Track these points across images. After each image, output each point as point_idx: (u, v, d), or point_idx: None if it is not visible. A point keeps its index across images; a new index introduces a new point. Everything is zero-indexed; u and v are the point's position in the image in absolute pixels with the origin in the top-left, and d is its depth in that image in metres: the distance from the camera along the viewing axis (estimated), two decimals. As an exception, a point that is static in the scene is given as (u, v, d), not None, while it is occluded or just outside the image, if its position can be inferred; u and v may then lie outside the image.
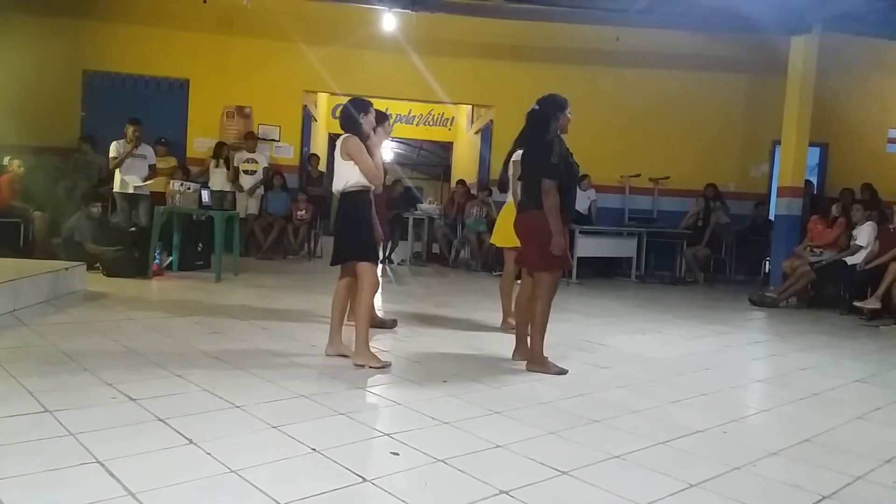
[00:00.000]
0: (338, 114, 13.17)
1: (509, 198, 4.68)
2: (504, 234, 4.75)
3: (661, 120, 10.32)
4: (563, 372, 3.68)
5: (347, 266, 3.75)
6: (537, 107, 3.82)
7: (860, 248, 7.00)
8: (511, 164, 4.36)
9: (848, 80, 9.58)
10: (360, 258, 3.64)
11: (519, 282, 5.18)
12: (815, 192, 9.83)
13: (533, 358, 3.75)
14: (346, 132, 3.69)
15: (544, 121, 3.77)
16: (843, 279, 7.17)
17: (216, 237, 6.71)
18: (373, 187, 3.71)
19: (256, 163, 9.32)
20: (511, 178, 4.41)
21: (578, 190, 6.63)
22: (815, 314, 6.91)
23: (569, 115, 3.83)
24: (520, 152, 4.22)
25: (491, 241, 5.05)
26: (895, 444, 2.82)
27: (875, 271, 6.56)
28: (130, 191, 7.52)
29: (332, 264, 3.77)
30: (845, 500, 2.20)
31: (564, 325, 4.98)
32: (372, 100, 3.95)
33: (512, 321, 4.79)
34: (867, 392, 3.78)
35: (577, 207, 5.77)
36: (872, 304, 6.35)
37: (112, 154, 7.51)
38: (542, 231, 3.70)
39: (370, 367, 3.52)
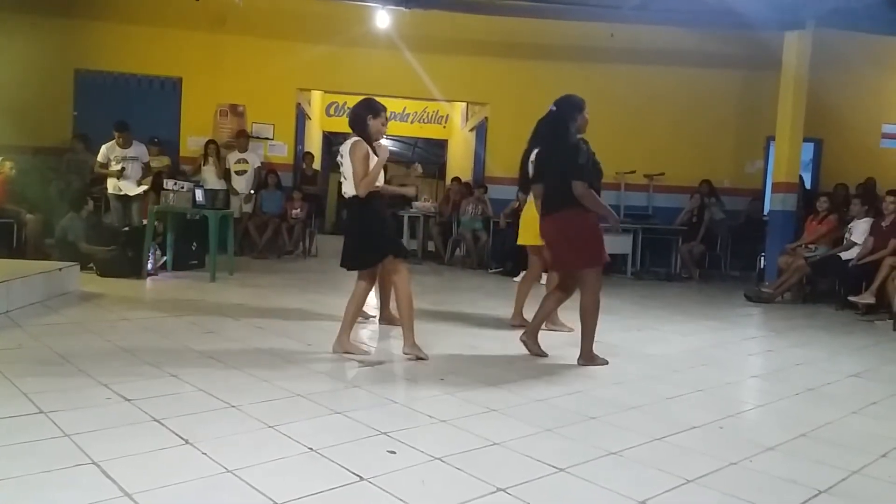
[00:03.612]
0: (332, 112, 13.09)
1: (530, 197, 4.69)
2: (529, 233, 4.76)
3: (656, 116, 10.33)
4: (606, 362, 3.87)
5: (366, 269, 3.80)
6: (555, 108, 3.84)
7: (854, 243, 7.02)
8: (530, 163, 4.36)
9: (842, 75, 9.61)
10: (391, 254, 3.72)
11: (542, 282, 5.22)
12: (805, 188, 9.84)
13: (584, 355, 3.86)
14: (354, 132, 3.72)
15: (563, 122, 3.80)
16: (837, 274, 7.19)
17: (210, 236, 6.69)
18: (379, 188, 3.79)
19: (247, 163, 9.26)
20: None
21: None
22: (809, 309, 6.93)
23: (586, 116, 3.86)
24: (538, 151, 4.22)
25: (517, 242, 5.09)
26: (891, 438, 2.83)
27: (869, 266, 6.58)
28: (124, 191, 7.46)
29: (356, 269, 3.79)
30: (841, 495, 2.21)
31: (560, 322, 4.98)
32: (367, 97, 3.95)
33: (522, 320, 4.81)
34: (862, 387, 3.80)
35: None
36: (867, 298, 6.37)
37: (100, 159, 7.36)
38: (575, 230, 3.78)
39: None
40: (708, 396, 3.39)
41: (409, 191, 4.37)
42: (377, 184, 3.74)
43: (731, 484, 2.23)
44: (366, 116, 3.74)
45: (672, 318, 5.85)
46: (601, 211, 3.82)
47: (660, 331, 5.26)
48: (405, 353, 3.78)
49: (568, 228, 3.80)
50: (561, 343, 4.31)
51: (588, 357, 3.86)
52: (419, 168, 8.76)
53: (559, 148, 3.80)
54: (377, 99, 3.93)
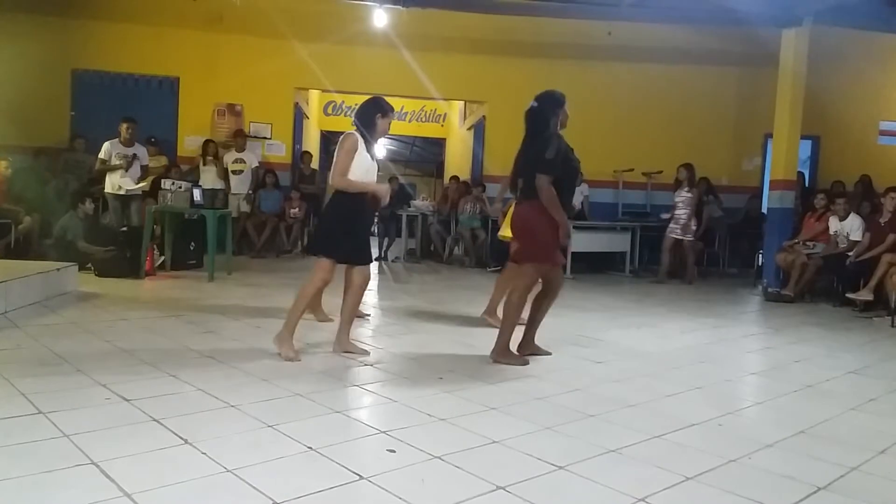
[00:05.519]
0: (330, 111, 13.03)
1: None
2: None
3: (654, 114, 10.33)
4: (526, 362, 3.73)
5: (351, 266, 3.78)
6: (536, 104, 3.83)
7: (856, 242, 7.00)
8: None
9: (839, 72, 9.61)
10: (324, 253, 3.69)
11: None
12: (805, 185, 9.87)
13: (498, 350, 3.77)
14: (357, 127, 3.72)
15: (544, 118, 3.79)
16: (835, 271, 7.19)
17: (209, 236, 6.69)
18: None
19: (244, 162, 9.25)
20: None
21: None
22: (808, 306, 6.93)
23: (567, 111, 3.85)
24: None
25: (498, 234, 5.10)
26: (890, 434, 2.83)
27: (867, 263, 6.58)
28: (122, 192, 7.42)
29: (309, 253, 3.79)
30: (840, 492, 2.21)
31: (559, 319, 4.98)
32: (364, 97, 3.96)
33: (496, 318, 4.77)
34: (861, 383, 3.80)
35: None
36: (865, 295, 6.37)
37: (102, 155, 7.27)
38: (531, 223, 3.75)
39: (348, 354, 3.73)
40: (707, 394, 3.39)
41: (379, 189, 4.00)
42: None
43: (731, 481, 2.23)
44: (374, 115, 3.73)
45: (670, 316, 5.86)
46: (556, 215, 3.66)
47: (658, 328, 5.27)
48: (334, 351, 3.79)
49: (529, 219, 3.78)
50: (560, 340, 4.31)
51: (503, 353, 3.75)
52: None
53: (535, 142, 3.80)
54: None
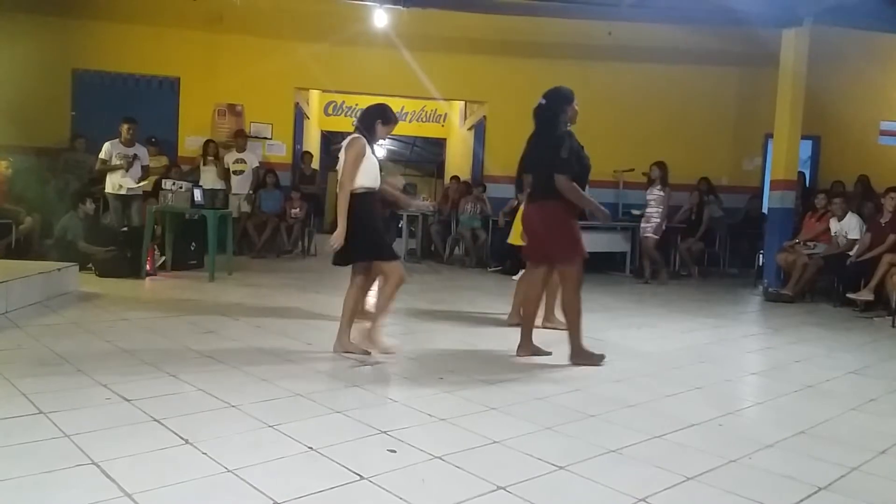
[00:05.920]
0: (330, 111, 12.99)
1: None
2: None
3: (654, 114, 10.33)
4: (601, 361, 3.80)
5: (359, 266, 3.81)
6: (544, 101, 3.84)
7: (854, 241, 7.01)
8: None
9: (839, 72, 9.61)
10: (380, 258, 3.74)
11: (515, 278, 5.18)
12: (806, 185, 9.87)
13: (575, 352, 3.81)
14: (358, 128, 3.77)
15: (553, 114, 3.80)
16: (835, 271, 7.19)
17: (209, 236, 6.69)
18: (376, 188, 3.80)
19: (245, 163, 9.25)
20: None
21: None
22: (809, 306, 6.93)
23: (576, 107, 3.87)
24: None
25: (508, 241, 5.08)
26: (890, 435, 2.83)
27: (868, 263, 6.58)
28: (123, 192, 7.42)
29: (334, 264, 3.79)
30: (841, 492, 2.21)
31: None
32: (364, 97, 3.98)
33: (519, 319, 4.78)
34: (861, 383, 3.80)
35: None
36: (866, 295, 6.37)
37: (102, 156, 7.26)
38: (554, 221, 3.76)
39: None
40: (707, 394, 3.39)
41: (405, 201, 4.33)
42: (374, 183, 3.76)
43: (731, 481, 2.23)
44: (376, 120, 3.79)
45: (671, 316, 5.86)
46: (587, 206, 3.78)
47: (659, 328, 5.27)
48: (335, 351, 3.80)
49: (547, 218, 3.80)
50: (559, 340, 4.30)
51: (580, 355, 3.80)
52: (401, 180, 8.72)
53: (547, 140, 3.81)
54: (374, 98, 3.95)
